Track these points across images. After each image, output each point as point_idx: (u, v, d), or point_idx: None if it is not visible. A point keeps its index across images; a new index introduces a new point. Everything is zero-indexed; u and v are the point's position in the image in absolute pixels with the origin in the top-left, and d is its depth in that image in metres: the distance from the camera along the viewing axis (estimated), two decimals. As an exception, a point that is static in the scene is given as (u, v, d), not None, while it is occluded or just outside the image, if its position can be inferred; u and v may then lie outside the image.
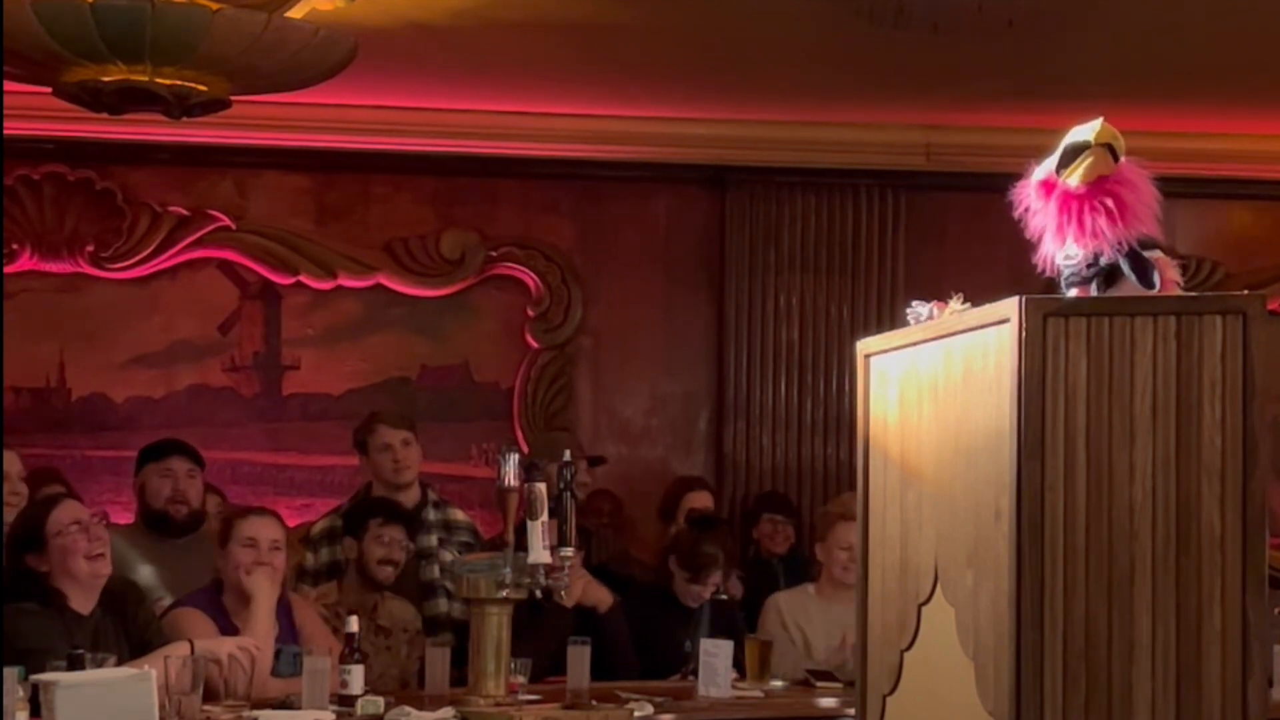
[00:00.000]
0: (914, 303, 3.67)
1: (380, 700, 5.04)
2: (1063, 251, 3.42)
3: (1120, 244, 3.36)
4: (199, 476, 6.25)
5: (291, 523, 6.60)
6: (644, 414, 8.44)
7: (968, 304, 3.53)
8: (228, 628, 5.37)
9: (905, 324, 3.70)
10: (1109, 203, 3.35)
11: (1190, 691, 3.14)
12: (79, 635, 4.90)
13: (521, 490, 5.07)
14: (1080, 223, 3.37)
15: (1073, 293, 3.41)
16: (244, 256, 8.17)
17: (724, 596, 6.41)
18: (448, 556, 6.10)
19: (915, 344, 3.63)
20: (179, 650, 4.91)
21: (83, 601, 5.05)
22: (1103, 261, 3.38)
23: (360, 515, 6.01)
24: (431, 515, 6.34)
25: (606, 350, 8.45)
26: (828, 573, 6.36)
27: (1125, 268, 3.37)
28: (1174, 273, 3.38)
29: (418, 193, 8.34)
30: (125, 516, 6.81)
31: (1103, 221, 3.36)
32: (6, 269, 7.81)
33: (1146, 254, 3.38)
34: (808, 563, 7.54)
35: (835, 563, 6.26)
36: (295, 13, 5.63)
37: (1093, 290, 3.40)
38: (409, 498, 6.34)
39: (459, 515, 6.47)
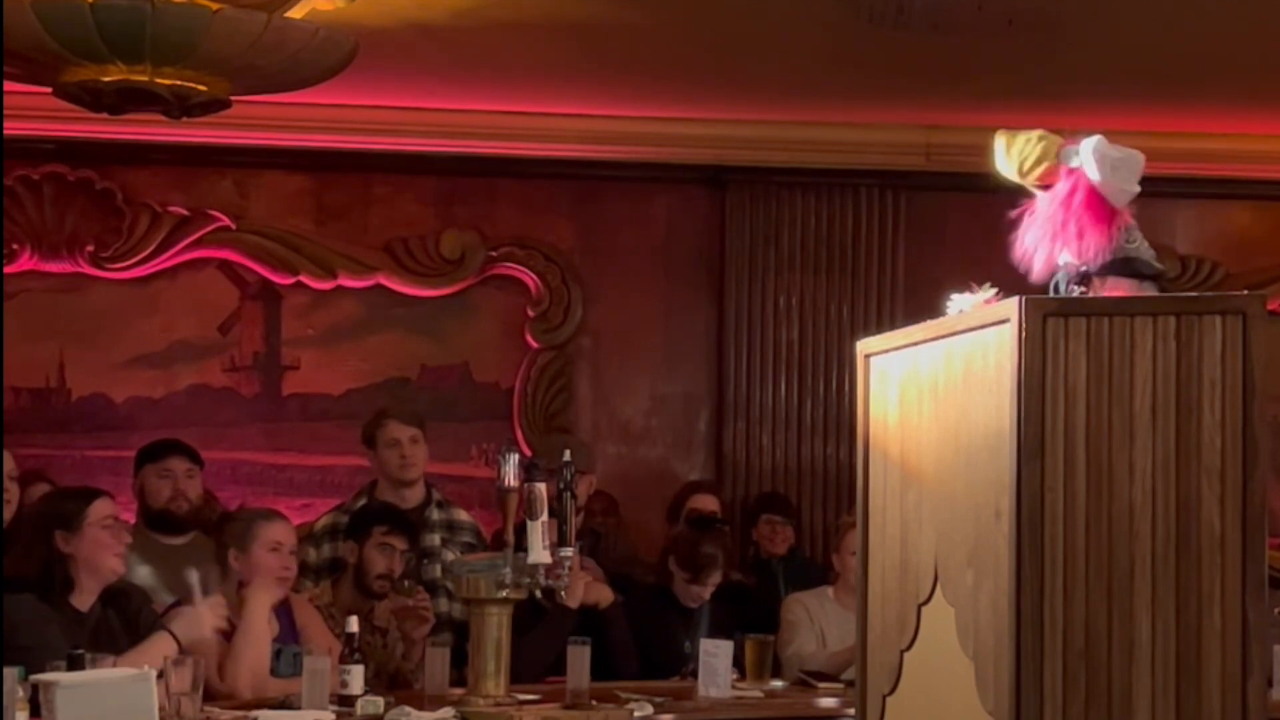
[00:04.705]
0: (953, 296, 3.66)
1: (380, 700, 5.04)
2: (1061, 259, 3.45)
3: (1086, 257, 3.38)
4: (198, 476, 6.26)
5: (302, 521, 6.61)
6: (644, 414, 8.44)
7: (998, 290, 3.53)
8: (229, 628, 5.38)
9: (906, 324, 3.70)
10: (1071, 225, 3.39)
11: (1190, 691, 3.14)
12: (77, 633, 4.91)
13: (521, 490, 5.07)
14: (1076, 229, 3.40)
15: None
16: (244, 256, 8.17)
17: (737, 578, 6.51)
18: (450, 557, 6.10)
19: (915, 344, 3.63)
20: (163, 643, 4.92)
21: (85, 598, 5.06)
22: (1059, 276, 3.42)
23: (365, 519, 6.00)
24: (435, 515, 6.34)
25: (606, 350, 8.45)
26: (844, 580, 6.38)
27: (1064, 278, 3.40)
28: None
29: (418, 193, 8.34)
30: (125, 516, 6.81)
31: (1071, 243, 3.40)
32: (6, 269, 7.81)
33: (1111, 280, 3.38)
34: (808, 563, 7.55)
35: (848, 569, 6.28)
36: (295, 13, 5.63)
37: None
38: (413, 495, 6.34)
39: (463, 516, 6.48)
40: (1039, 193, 3.50)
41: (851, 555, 6.20)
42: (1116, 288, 3.38)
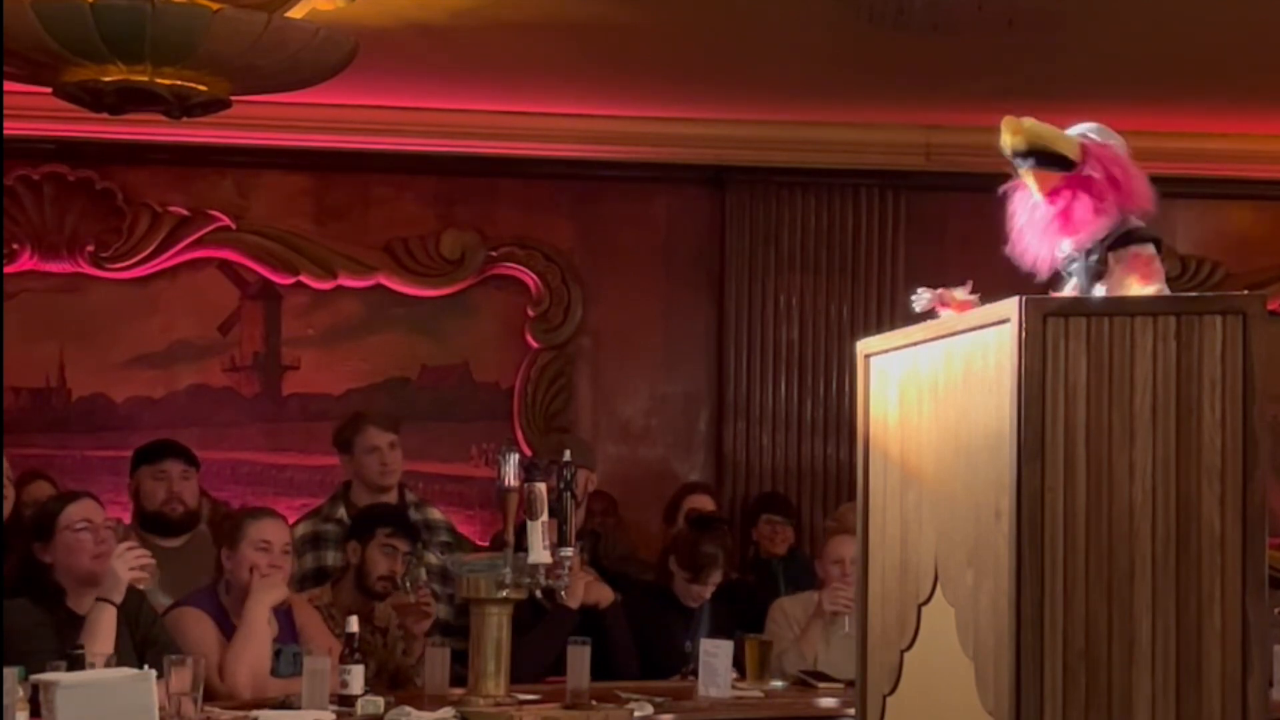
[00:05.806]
0: (919, 289, 3.66)
1: (380, 700, 5.04)
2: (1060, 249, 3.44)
3: (1087, 241, 3.37)
4: (194, 477, 6.25)
5: (291, 523, 6.61)
6: (644, 414, 8.44)
7: (976, 294, 3.53)
8: (229, 627, 5.38)
9: (906, 324, 3.70)
10: (1084, 196, 3.37)
11: (1190, 691, 3.14)
12: (73, 635, 4.90)
13: (521, 490, 5.07)
14: (1066, 216, 3.38)
15: (1071, 285, 3.42)
16: (244, 256, 8.17)
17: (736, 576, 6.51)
18: (432, 559, 6.10)
19: (915, 344, 3.63)
20: (105, 614, 4.92)
21: (80, 601, 5.05)
22: (1073, 266, 3.41)
23: (369, 521, 6.00)
24: (412, 515, 6.34)
25: (606, 350, 8.45)
26: (828, 585, 6.37)
27: (1079, 268, 3.38)
28: (1144, 282, 3.33)
29: (418, 193, 8.34)
30: (123, 517, 6.81)
31: (1087, 212, 3.37)
32: (6, 269, 7.81)
33: (1134, 249, 3.36)
34: (808, 563, 7.55)
35: (831, 578, 6.28)
36: (295, 13, 5.63)
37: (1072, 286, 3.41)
38: (389, 499, 6.35)
39: (436, 515, 6.52)
40: (1030, 181, 3.47)
41: (834, 564, 6.24)
42: (1137, 256, 3.35)
